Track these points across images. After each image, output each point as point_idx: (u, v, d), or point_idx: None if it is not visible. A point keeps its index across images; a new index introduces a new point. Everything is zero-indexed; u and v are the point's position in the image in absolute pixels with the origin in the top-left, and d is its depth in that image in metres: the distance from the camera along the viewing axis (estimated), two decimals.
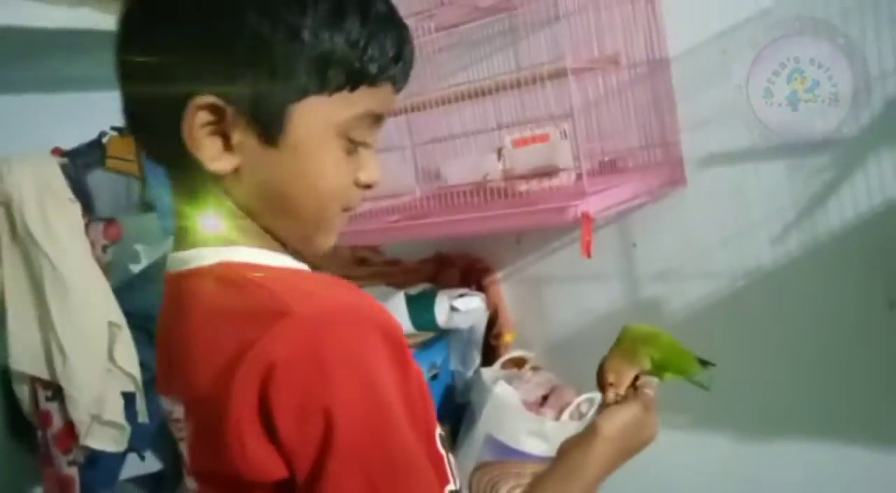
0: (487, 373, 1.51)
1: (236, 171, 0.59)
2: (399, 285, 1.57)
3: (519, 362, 1.61)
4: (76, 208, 1.54)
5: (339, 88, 0.59)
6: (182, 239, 0.64)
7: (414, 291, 1.51)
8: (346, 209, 0.65)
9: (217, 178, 0.59)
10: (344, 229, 0.67)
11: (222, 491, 0.59)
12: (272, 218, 0.62)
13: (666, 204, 1.41)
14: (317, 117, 0.59)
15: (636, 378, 0.84)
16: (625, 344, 0.87)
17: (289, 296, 0.55)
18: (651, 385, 0.83)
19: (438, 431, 0.63)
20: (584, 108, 1.34)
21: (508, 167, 1.28)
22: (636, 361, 0.84)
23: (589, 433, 0.77)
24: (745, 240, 1.35)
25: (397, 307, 1.44)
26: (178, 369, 0.62)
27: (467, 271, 1.65)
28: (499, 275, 1.66)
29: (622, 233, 1.49)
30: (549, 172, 1.23)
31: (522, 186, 1.27)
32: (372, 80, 0.60)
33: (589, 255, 1.13)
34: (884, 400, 1.25)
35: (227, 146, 0.58)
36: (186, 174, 0.61)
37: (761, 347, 1.36)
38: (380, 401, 0.54)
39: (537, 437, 1.41)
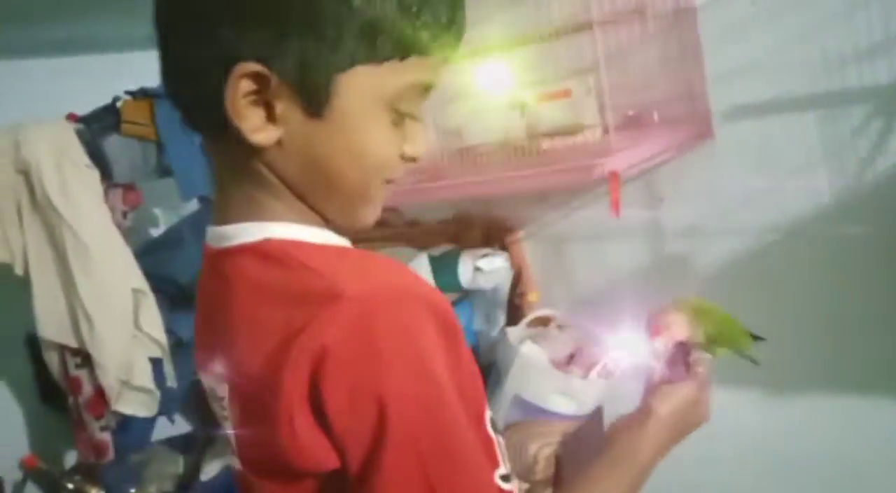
0: (513, 332, 1.50)
1: (279, 143, 0.57)
2: (420, 247, 1.56)
3: (544, 321, 1.60)
4: (94, 174, 1.53)
5: (388, 58, 0.56)
6: (223, 213, 0.62)
7: (437, 252, 1.50)
8: (388, 181, 0.62)
9: (259, 150, 0.57)
10: (386, 201, 0.65)
11: (271, 478, 0.59)
12: (315, 192, 0.60)
13: (693, 158, 1.38)
14: (364, 88, 0.56)
15: (688, 354, 0.81)
16: (679, 309, 0.83)
17: (338, 277, 0.54)
18: (704, 362, 0.80)
19: (489, 413, 0.62)
20: (608, 61, 1.30)
21: (531, 125, 1.25)
22: (689, 328, 0.81)
23: (642, 413, 0.73)
24: (774, 194, 1.32)
25: (421, 269, 1.43)
26: (223, 349, 0.61)
27: (489, 230, 1.63)
28: (522, 233, 1.65)
29: (648, 188, 1.46)
30: (573, 129, 1.20)
31: (546, 144, 1.24)
32: (422, 50, 0.57)
33: (618, 213, 1.11)
34: None
35: (270, 117, 0.56)
36: (227, 145, 0.58)
37: (790, 303, 1.34)
38: (433, 387, 0.53)
39: (565, 395, 1.41)
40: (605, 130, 1.18)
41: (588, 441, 1.53)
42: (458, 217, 1.69)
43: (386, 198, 0.64)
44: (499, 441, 0.61)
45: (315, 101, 0.56)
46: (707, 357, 0.81)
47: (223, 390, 0.62)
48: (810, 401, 1.36)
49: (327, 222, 0.62)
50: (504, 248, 1.61)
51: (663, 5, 1.32)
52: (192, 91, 0.58)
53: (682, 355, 0.81)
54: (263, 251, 0.58)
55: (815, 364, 1.33)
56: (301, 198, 0.60)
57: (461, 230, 1.64)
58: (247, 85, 0.55)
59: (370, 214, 0.63)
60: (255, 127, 0.56)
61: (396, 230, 1.69)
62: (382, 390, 0.51)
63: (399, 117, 0.59)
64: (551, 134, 1.22)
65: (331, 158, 0.58)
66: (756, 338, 0.90)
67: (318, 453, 0.54)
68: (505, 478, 0.61)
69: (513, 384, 1.42)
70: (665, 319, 0.80)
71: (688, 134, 1.32)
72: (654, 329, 0.80)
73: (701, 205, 1.40)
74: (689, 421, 0.75)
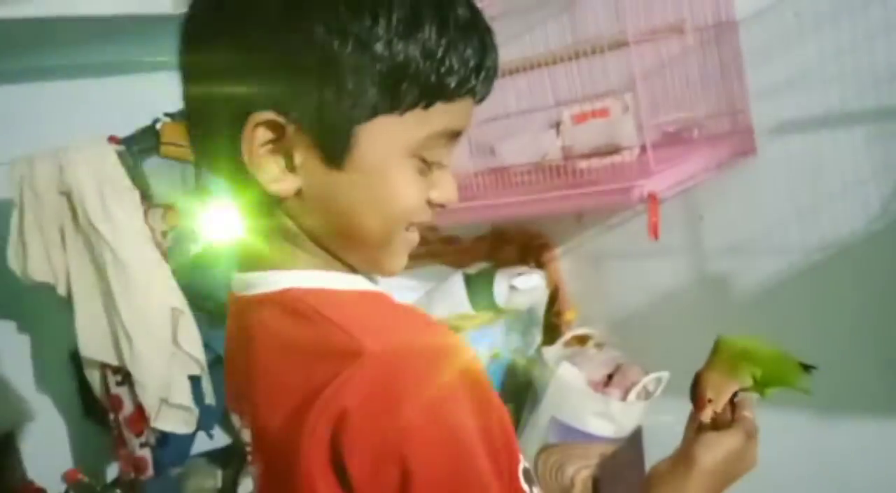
0: (549, 352, 1.48)
1: (299, 192, 0.56)
2: (456, 264, 1.55)
3: (582, 340, 1.57)
4: (135, 196, 1.55)
5: (412, 106, 0.54)
6: (246, 259, 0.61)
7: (472, 270, 1.48)
8: (412, 226, 0.61)
9: (279, 199, 0.56)
10: (415, 246, 0.63)
11: None
12: (337, 242, 0.59)
13: (734, 175, 1.34)
14: (387, 139, 0.55)
15: (734, 395, 0.77)
16: (723, 356, 0.79)
17: (361, 333, 0.52)
18: (751, 406, 0.77)
19: (522, 465, 0.61)
20: (646, 77, 1.27)
21: (568, 145, 1.23)
22: (736, 377, 0.77)
23: (685, 462, 0.70)
24: (821, 212, 1.27)
25: (456, 288, 1.42)
26: (246, 398, 0.60)
27: (525, 247, 1.61)
28: (558, 251, 1.62)
29: (688, 206, 1.42)
30: (610, 149, 1.18)
31: (583, 164, 1.22)
32: (449, 96, 0.55)
33: (656, 236, 1.09)
34: None
35: (290, 166, 0.55)
36: (248, 193, 0.58)
37: (838, 325, 1.29)
38: (459, 449, 0.51)
39: (603, 418, 1.38)
40: (644, 150, 1.16)
41: (626, 465, 1.50)
42: (494, 234, 1.67)
43: (414, 243, 0.62)
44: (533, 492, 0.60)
45: (335, 152, 0.54)
46: (754, 398, 0.78)
47: (247, 437, 0.61)
48: (861, 428, 1.31)
49: (354, 270, 0.61)
50: (540, 266, 1.59)
51: (703, 19, 1.29)
52: (211, 139, 0.58)
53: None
54: (284, 302, 0.57)
55: (867, 390, 1.28)
56: (324, 247, 0.59)
57: (496, 247, 1.63)
58: (263, 134, 0.54)
59: (395, 264, 0.61)
60: (274, 177, 0.55)
61: (432, 248, 1.68)
62: (406, 452, 0.49)
63: (425, 166, 0.58)
64: (588, 154, 1.20)
65: (352, 209, 0.56)
66: (807, 368, 0.87)
67: None
68: None
69: (549, 406, 1.40)
70: (710, 385, 0.76)
71: (729, 151, 1.29)
72: (699, 405, 0.77)
73: (743, 224, 1.36)
74: (734, 472, 0.72)
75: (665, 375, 1.40)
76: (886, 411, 1.28)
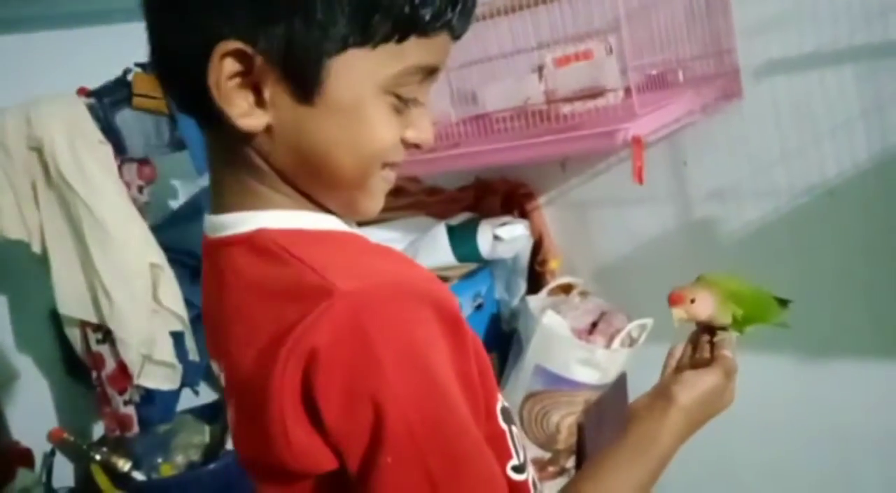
0: (534, 301, 1.47)
1: (269, 129, 0.53)
2: (439, 215, 1.53)
3: (566, 289, 1.56)
4: (108, 150, 1.51)
5: (384, 40, 0.51)
6: (218, 200, 0.59)
7: (455, 221, 1.46)
8: (388, 166, 0.58)
9: (249, 136, 0.54)
10: (391, 187, 0.60)
11: (270, 480, 0.57)
12: (309, 181, 0.56)
13: (720, 119, 1.32)
14: (359, 73, 0.52)
15: (713, 334, 0.77)
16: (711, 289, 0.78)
17: (333, 272, 0.50)
18: (730, 345, 0.75)
19: (500, 404, 0.59)
20: (630, 18, 1.23)
21: (550, 89, 1.20)
22: (716, 314, 0.76)
23: (663, 400, 0.69)
24: (808, 155, 1.26)
25: (439, 239, 1.40)
26: (220, 343, 0.59)
27: (509, 197, 1.59)
28: (542, 200, 1.60)
29: (672, 151, 1.40)
30: (594, 92, 1.15)
31: (566, 109, 1.19)
32: (423, 30, 0.52)
33: (641, 181, 1.07)
34: None
35: (259, 101, 0.52)
36: (218, 130, 0.55)
37: (823, 268, 1.29)
38: (434, 385, 0.50)
39: (588, 365, 1.38)
40: (628, 93, 1.13)
41: (611, 410, 1.51)
42: (477, 185, 1.65)
43: (390, 184, 0.60)
44: (511, 431, 0.59)
45: (305, 85, 0.52)
46: (734, 337, 0.77)
47: (223, 382, 0.60)
48: (845, 369, 1.32)
49: (327, 210, 0.59)
50: (524, 215, 1.57)
51: None
52: (178, 70, 0.55)
53: (706, 336, 0.77)
54: (255, 243, 0.55)
55: (851, 331, 1.29)
56: (297, 188, 0.57)
57: (480, 197, 1.60)
58: (231, 66, 0.51)
59: (371, 205, 0.59)
60: (243, 112, 0.52)
61: (415, 199, 1.65)
62: (378, 390, 0.48)
63: (402, 103, 0.55)
64: (571, 98, 1.17)
65: (323, 147, 0.54)
66: (784, 303, 0.87)
67: (314, 454, 0.51)
68: (518, 469, 0.59)
69: (534, 354, 1.40)
70: (689, 292, 0.75)
71: (715, 93, 1.26)
72: (672, 299, 0.76)
73: (728, 168, 1.34)
74: (711, 409, 0.71)
75: (649, 322, 1.40)
76: (873, 353, 1.29)
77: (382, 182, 0.59)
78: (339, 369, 0.48)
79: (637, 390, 1.54)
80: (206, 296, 0.63)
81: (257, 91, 0.52)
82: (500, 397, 0.60)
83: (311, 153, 0.54)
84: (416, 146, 0.58)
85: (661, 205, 1.44)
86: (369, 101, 0.53)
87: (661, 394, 0.70)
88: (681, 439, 0.68)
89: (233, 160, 0.56)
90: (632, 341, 1.41)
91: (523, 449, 0.61)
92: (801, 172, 1.27)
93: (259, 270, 0.54)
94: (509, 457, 0.58)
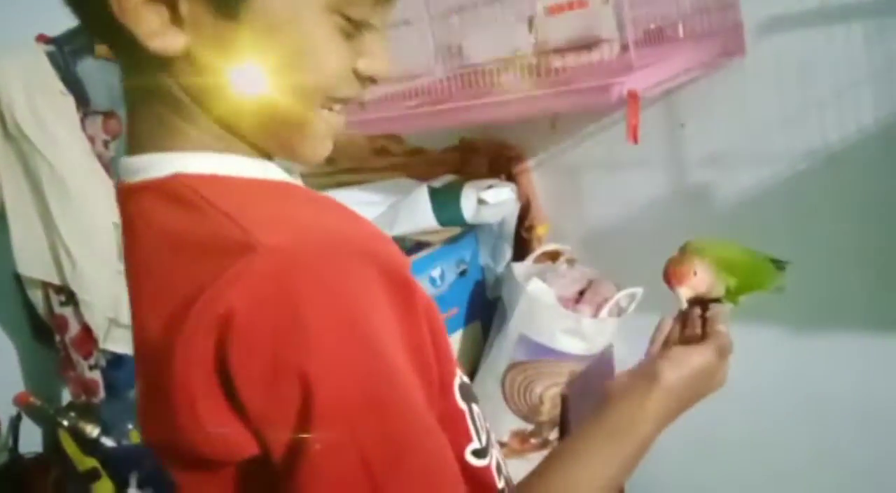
0: (519, 268, 1.41)
1: (187, 52, 0.45)
2: (422, 177, 1.45)
3: (553, 256, 1.50)
4: (69, 102, 1.42)
5: None
6: (132, 141, 0.50)
7: (438, 183, 1.39)
8: (337, 102, 0.50)
9: (164, 61, 0.45)
10: (341, 129, 0.52)
11: (183, 467, 0.49)
12: (237, 116, 0.48)
13: (720, 78, 1.25)
14: None
15: (705, 307, 0.69)
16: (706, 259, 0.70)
17: (258, 225, 0.43)
18: (725, 319, 0.68)
19: (459, 380, 0.52)
20: None
21: (541, 40, 1.12)
22: (712, 286, 0.69)
23: (646, 379, 0.61)
24: (811, 119, 1.19)
25: (420, 202, 1.33)
26: (131, 305, 0.51)
27: (496, 159, 1.52)
28: (530, 162, 1.53)
29: (669, 113, 1.33)
30: (588, 43, 1.07)
31: (558, 62, 1.11)
32: None
33: (636, 140, 1.00)
34: None
35: (175, 18, 0.44)
36: (129, 56, 0.47)
37: (822, 238, 1.23)
38: (374, 357, 0.42)
39: (574, 335, 1.33)
40: (624, 46, 1.05)
41: (596, 382, 1.45)
42: (462, 145, 1.57)
43: (339, 126, 0.51)
44: (472, 411, 0.52)
45: None
46: (727, 310, 0.70)
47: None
48: (835, 340, 1.26)
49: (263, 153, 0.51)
50: (511, 178, 1.50)
51: None
52: None
53: (697, 310, 0.70)
54: (169, 190, 0.47)
55: (852, 304, 1.23)
56: (223, 125, 0.48)
57: (465, 159, 1.53)
58: None
59: (313, 149, 0.51)
60: (154, 30, 0.44)
61: (396, 160, 1.58)
62: (307, 364, 0.41)
63: (352, 27, 0.47)
64: (563, 50, 1.09)
65: (252, 74, 0.45)
66: (779, 266, 0.80)
67: (230, 439, 0.44)
68: (479, 453, 0.52)
69: (518, 323, 1.34)
70: (688, 266, 0.68)
71: (716, 50, 1.19)
72: (675, 277, 0.68)
73: (727, 131, 1.27)
74: (700, 391, 0.63)
75: (639, 291, 1.34)
76: (870, 324, 1.24)
77: (329, 121, 0.50)
78: (259, 338, 0.41)
79: (624, 361, 1.49)
80: (124, 251, 0.55)
81: (171, 5, 0.44)
82: (458, 372, 0.53)
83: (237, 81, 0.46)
84: (372, 80, 0.50)
85: (656, 169, 1.37)
86: (310, 18, 0.45)
87: (645, 372, 0.62)
88: (663, 423, 0.60)
89: (148, 92, 0.48)
90: (620, 311, 1.36)
91: (486, 431, 0.54)
92: (802, 136, 1.20)
93: (172, 220, 0.46)
94: (468, 440, 0.51)
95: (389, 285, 0.44)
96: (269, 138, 0.50)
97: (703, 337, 0.66)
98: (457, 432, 0.49)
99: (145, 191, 0.48)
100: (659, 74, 1.05)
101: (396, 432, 0.43)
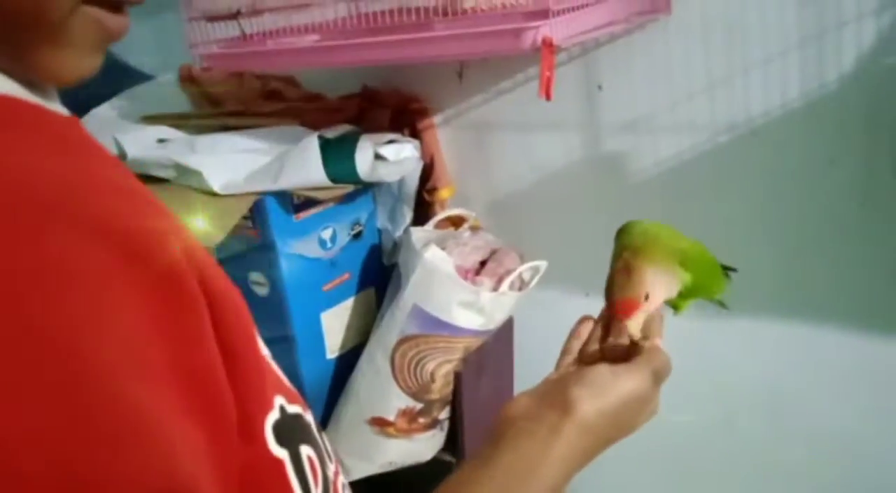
0: (418, 233, 1.29)
1: None
2: (316, 126, 1.30)
3: (456, 222, 1.39)
4: None
5: None
6: None
7: (331, 133, 1.24)
8: (111, 5, 0.35)
9: None
10: (119, 34, 0.36)
11: None
12: None
13: (641, 38, 1.15)
14: None
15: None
16: (661, 251, 0.56)
17: None
18: (660, 332, 0.55)
19: (277, 415, 0.36)
20: None
21: None
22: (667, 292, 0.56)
23: (556, 410, 0.47)
24: (736, 86, 1.11)
25: (309, 153, 1.18)
26: None
27: (399, 111, 1.38)
28: (437, 118, 1.40)
29: (586, 73, 1.23)
30: None
31: (469, 2, 0.98)
32: None
33: (549, 96, 0.88)
34: (888, 281, 1.09)
35: None
36: None
37: (742, 215, 1.17)
38: (88, 391, 0.26)
39: (471, 309, 1.22)
40: None
41: (492, 360, 1.36)
42: (364, 94, 1.43)
43: (117, 29, 0.36)
44: (300, 457, 0.37)
45: None
46: (661, 318, 0.56)
47: None
48: (755, 324, 1.21)
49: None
50: (415, 134, 1.37)
51: None
52: None
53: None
54: None
55: (771, 286, 1.17)
56: None
57: (366, 109, 1.38)
58: None
59: (74, 61, 0.35)
60: None
61: (290, 105, 1.42)
62: None
63: None
64: None
65: None
66: (728, 272, 0.70)
67: None
68: None
69: (413, 293, 1.22)
70: (638, 292, 0.53)
71: (639, 6, 1.09)
72: (623, 309, 0.53)
73: (646, 96, 1.18)
74: (627, 425, 0.50)
75: (543, 264, 1.24)
76: (787, 310, 1.18)
77: (91, 24, 0.35)
78: None
79: (524, 338, 1.40)
80: None
81: None
82: (278, 403, 0.37)
83: None
84: None
85: (570, 133, 1.27)
86: None
87: (554, 400, 0.48)
88: (574, 468, 0.47)
89: None
90: (522, 285, 1.26)
91: (324, 479, 0.39)
92: (725, 106, 1.13)
93: None
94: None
95: (145, 278, 0.29)
96: (11, 46, 0.33)
97: (631, 352, 0.53)
98: (267, 489, 0.35)
99: None
100: (578, 25, 0.94)
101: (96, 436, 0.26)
